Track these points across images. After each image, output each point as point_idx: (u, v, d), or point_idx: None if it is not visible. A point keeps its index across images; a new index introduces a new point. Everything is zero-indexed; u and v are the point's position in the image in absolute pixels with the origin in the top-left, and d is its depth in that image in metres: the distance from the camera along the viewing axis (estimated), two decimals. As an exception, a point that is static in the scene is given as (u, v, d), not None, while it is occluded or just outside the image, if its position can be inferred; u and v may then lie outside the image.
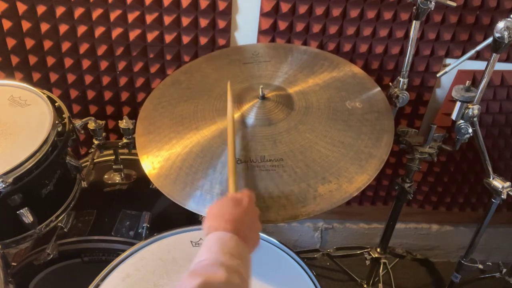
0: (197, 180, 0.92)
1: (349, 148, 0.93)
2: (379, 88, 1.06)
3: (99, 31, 1.28)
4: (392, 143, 0.95)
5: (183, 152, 0.96)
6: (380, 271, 1.46)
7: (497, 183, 1.14)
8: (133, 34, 1.29)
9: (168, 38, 1.29)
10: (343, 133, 0.96)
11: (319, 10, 1.25)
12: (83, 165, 1.15)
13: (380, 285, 1.45)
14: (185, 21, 1.27)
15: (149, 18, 1.26)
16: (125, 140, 1.24)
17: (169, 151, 0.97)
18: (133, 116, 1.23)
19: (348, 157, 0.92)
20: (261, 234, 1.00)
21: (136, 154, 1.38)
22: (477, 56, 1.33)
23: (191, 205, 0.90)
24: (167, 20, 1.26)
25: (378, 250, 1.48)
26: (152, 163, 0.97)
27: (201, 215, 0.98)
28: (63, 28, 1.27)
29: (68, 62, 1.33)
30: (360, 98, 1.04)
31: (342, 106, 1.02)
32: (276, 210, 0.86)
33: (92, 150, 1.30)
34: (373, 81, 1.09)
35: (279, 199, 0.87)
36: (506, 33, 0.90)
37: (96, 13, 1.25)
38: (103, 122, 1.23)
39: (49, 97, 1.08)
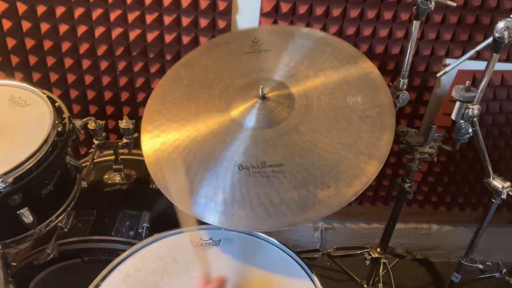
0: (199, 187, 0.92)
1: (348, 149, 0.92)
2: (382, 79, 1.02)
3: (99, 31, 1.28)
4: (392, 141, 0.95)
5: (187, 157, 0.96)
6: (380, 271, 1.46)
7: (497, 183, 1.14)
8: (133, 34, 1.29)
9: (168, 38, 1.29)
10: (343, 132, 0.95)
11: (319, 10, 1.25)
12: (83, 165, 1.15)
13: (380, 285, 1.45)
14: (185, 21, 1.26)
15: (149, 18, 1.26)
16: (125, 140, 1.25)
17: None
18: (133, 116, 1.23)
19: (348, 159, 0.91)
20: (261, 234, 1.00)
21: (136, 154, 1.39)
22: (477, 56, 1.33)
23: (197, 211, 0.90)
24: (167, 20, 1.26)
25: (378, 250, 1.48)
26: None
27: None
28: (63, 28, 1.27)
29: (68, 62, 1.33)
30: (362, 92, 1.01)
31: (343, 102, 0.99)
32: (277, 218, 0.86)
33: (92, 150, 1.30)
34: (376, 68, 1.04)
35: (279, 206, 0.87)
36: (506, 33, 0.90)
37: (96, 13, 1.25)
38: (103, 122, 1.23)
39: (49, 97, 1.08)
